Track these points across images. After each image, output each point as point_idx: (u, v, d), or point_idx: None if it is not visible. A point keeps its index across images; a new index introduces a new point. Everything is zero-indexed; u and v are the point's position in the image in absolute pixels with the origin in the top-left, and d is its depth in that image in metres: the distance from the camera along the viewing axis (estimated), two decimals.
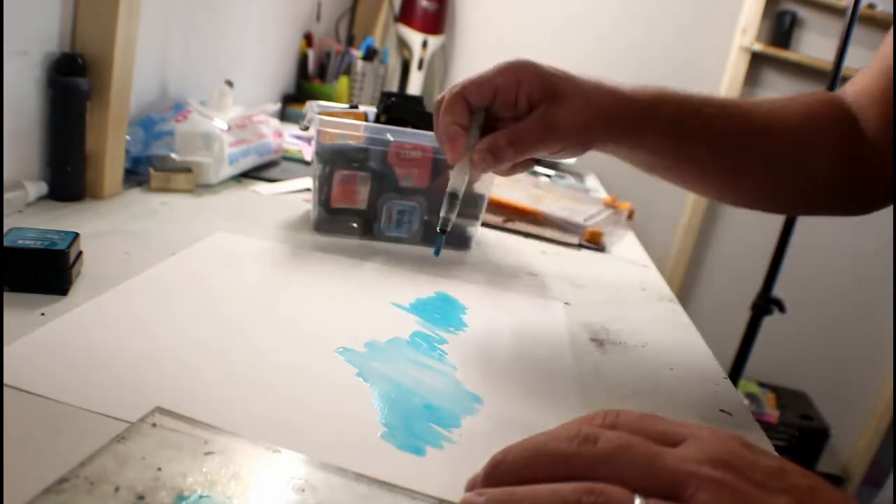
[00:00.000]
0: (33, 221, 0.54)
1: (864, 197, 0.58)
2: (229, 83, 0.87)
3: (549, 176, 1.20)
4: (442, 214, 0.50)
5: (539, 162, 0.57)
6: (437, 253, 0.51)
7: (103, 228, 0.58)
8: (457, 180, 0.51)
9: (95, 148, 0.64)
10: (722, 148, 0.55)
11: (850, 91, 0.59)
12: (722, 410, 0.46)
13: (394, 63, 1.69)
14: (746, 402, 1.55)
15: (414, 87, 1.67)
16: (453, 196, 0.51)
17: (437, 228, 0.50)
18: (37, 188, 0.60)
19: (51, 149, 0.62)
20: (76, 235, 0.47)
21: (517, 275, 0.67)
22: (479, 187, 0.71)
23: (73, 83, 0.60)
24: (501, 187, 0.92)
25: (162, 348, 0.40)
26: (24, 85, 0.59)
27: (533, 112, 0.51)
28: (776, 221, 1.51)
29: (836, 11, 1.74)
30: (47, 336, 0.39)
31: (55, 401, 0.33)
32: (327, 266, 0.60)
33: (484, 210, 0.72)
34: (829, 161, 0.56)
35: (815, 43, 1.79)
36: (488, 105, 0.51)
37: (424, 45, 1.64)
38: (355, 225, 0.69)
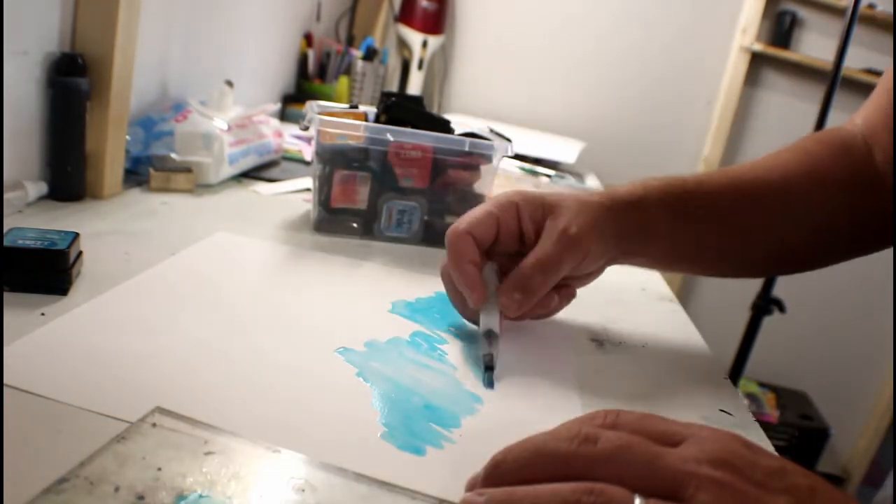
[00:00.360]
0: (33, 221, 0.54)
1: (880, 234, 0.56)
2: (229, 83, 0.87)
3: (549, 176, 1.20)
4: (483, 352, 0.45)
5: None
6: (490, 386, 0.44)
7: (103, 228, 0.58)
8: (491, 320, 0.47)
9: (95, 148, 0.64)
10: (725, 222, 0.54)
11: (862, 117, 0.58)
12: (722, 410, 0.46)
13: (394, 63, 1.69)
14: (746, 402, 1.55)
15: (414, 87, 1.67)
16: (491, 333, 0.46)
17: (484, 366, 0.45)
18: (37, 188, 0.60)
19: (51, 149, 0.62)
20: (76, 235, 0.47)
21: None
22: (479, 187, 0.71)
23: (73, 83, 0.60)
24: (501, 187, 0.92)
25: (162, 348, 0.40)
26: (24, 85, 0.59)
27: (541, 234, 0.49)
28: None
29: (836, 11, 1.74)
30: (47, 336, 0.39)
31: (55, 401, 0.33)
32: (327, 266, 0.60)
33: None
34: (834, 209, 0.55)
35: (815, 43, 1.79)
36: (494, 240, 0.49)
37: (424, 45, 1.64)
38: (355, 225, 0.69)
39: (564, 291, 0.52)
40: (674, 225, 0.53)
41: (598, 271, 0.54)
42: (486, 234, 0.49)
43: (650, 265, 0.58)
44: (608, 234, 0.50)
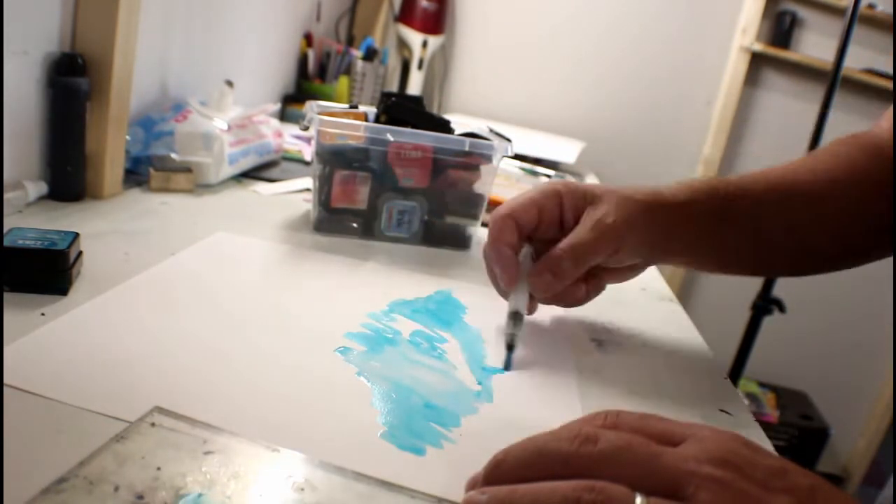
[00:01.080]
0: (33, 221, 0.54)
1: None
2: (229, 83, 0.87)
3: (548, 176, 1.20)
4: (506, 332, 0.48)
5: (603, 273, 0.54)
6: (508, 368, 0.46)
7: (103, 228, 0.58)
8: (518, 301, 0.50)
9: (95, 148, 0.64)
10: (768, 229, 0.54)
11: (887, 120, 0.58)
12: (722, 410, 0.46)
13: (394, 63, 1.69)
14: (746, 402, 1.55)
15: (414, 87, 1.67)
16: (517, 314, 0.49)
17: (505, 345, 0.47)
18: (37, 188, 0.60)
19: (51, 149, 0.62)
20: (76, 235, 0.47)
21: None
22: (479, 187, 0.71)
23: (73, 83, 0.60)
24: (501, 187, 0.92)
25: (161, 348, 0.40)
26: (24, 85, 0.59)
27: (580, 221, 0.50)
28: None
29: (836, 11, 1.74)
30: (47, 336, 0.39)
31: (55, 401, 0.33)
32: (327, 266, 0.60)
33: (484, 210, 0.72)
34: (875, 211, 0.55)
35: (815, 43, 1.79)
36: (535, 225, 0.51)
37: (424, 45, 1.64)
38: (355, 225, 0.69)
39: (594, 283, 0.53)
40: (717, 230, 0.53)
41: (635, 269, 0.55)
42: (527, 219, 0.51)
43: (686, 266, 0.58)
44: (646, 232, 0.50)
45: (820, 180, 0.56)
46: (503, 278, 0.50)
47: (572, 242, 0.49)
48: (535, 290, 0.50)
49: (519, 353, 0.48)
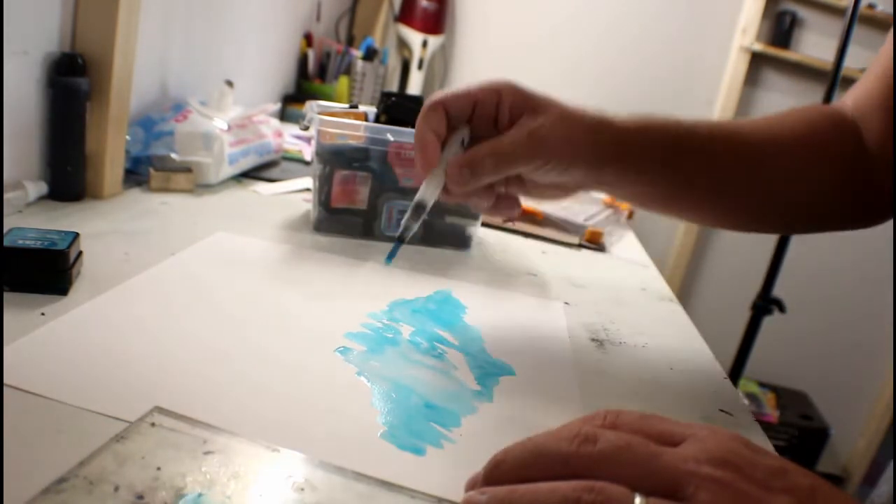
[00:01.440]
0: (33, 221, 0.54)
1: (868, 210, 0.57)
2: (229, 83, 0.87)
3: None
4: (403, 222, 0.47)
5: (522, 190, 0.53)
6: (388, 260, 0.47)
7: (103, 228, 0.58)
8: (427, 191, 0.48)
9: (95, 148, 0.64)
10: (715, 172, 0.53)
11: (852, 99, 0.58)
12: (722, 410, 0.46)
13: (394, 63, 1.69)
14: (746, 402, 1.55)
15: (414, 87, 1.67)
16: (420, 206, 0.48)
17: (396, 236, 0.47)
18: (37, 188, 0.60)
19: (51, 149, 0.62)
20: (76, 235, 0.47)
21: (517, 275, 0.67)
22: None
23: (73, 83, 0.60)
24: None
25: (161, 348, 0.40)
26: (24, 85, 0.59)
27: (514, 125, 0.48)
28: None
29: (836, 11, 1.74)
30: (47, 336, 0.39)
31: (55, 401, 0.33)
32: (327, 266, 0.60)
33: None
34: (827, 176, 0.55)
35: (815, 43, 1.80)
36: (468, 118, 0.49)
37: (424, 45, 1.64)
38: (355, 225, 0.69)
39: (507, 202, 0.52)
40: (660, 170, 0.51)
41: (565, 191, 0.53)
42: (459, 109, 0.48)
43: (627, 200, 0.56)
44: (582, 156, 0.48)
45: (774, 138, 0.54)
46: (418, 161, 0.48)
47: (498, 144, 0.47)
48: (451, 181, 0.48)
49: (518, 352, 0.48)
